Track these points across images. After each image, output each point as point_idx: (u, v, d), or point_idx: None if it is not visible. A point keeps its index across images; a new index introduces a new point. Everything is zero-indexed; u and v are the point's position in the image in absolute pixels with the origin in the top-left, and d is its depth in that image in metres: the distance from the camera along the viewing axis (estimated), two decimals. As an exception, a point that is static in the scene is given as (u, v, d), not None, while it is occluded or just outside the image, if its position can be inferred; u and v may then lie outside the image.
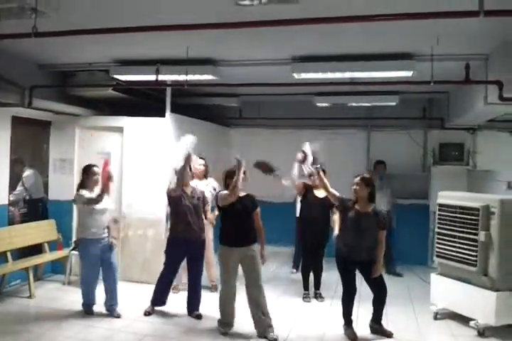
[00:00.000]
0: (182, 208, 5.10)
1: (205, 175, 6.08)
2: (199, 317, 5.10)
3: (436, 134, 8.18)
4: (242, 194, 4.71)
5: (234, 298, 4.71)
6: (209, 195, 5.71)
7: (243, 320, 4.75)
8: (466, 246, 4.93)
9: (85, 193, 4.98)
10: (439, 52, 4.69)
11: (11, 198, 6.35)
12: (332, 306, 5.61)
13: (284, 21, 3.36)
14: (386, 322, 4.79)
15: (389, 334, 4.65)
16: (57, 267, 6.56)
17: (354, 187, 4.59)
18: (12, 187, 6.20)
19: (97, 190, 5.04)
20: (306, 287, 5.95)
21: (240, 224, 4.66)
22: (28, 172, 6.64)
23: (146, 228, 6.42)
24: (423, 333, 4.80)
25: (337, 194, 4.77)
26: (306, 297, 5.87)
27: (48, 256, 6.24)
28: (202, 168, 6.04)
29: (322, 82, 5.68)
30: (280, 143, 8.60)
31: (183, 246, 5.13)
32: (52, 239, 6.41)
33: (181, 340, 4.55)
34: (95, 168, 5.11)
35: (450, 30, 4.08)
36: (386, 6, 3.30)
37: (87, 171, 5.11)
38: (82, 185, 5.09)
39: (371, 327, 4.76)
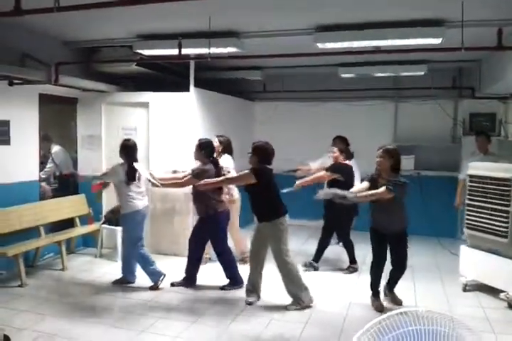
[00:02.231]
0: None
1: (219, 153, 5.97)
2: (222, 288, 5.22)
3: (467, 104, 7.93)
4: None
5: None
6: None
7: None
8: (496, 218, 4.84)
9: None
10: (469, 17, 4.50)
11: (43, 175, 6.51)
12: (360, 278, 5.64)
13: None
14: (414, 294, 4.79)
15: (399, 302, 4.71)
16: (88, 240, 6.75)
17: (377, 159, 4.51)
18: (41, 163, 6.33)
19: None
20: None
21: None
22: (56, 149, 6.79)
23: (173, 202, 6.50)
24: (452, 305, 4.78)
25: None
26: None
27: (80, 230, 6.40)
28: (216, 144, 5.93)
29: (347, 51, 5.53)
30: (304, 116, 8.53)
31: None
32: (83, 213, 6.56)
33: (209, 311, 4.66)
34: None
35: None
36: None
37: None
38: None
39: (384, 292, 4.83)
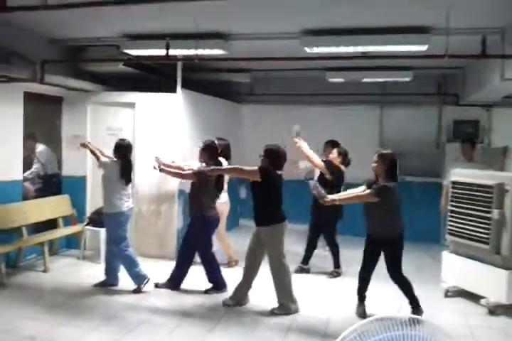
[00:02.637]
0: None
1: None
2: (206, 292, 5.20)
3: (451, 111, 8.05)
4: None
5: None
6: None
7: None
8: (479, 224, 4.90)
9: None
10: (454, 25, 4.56)
11: (29, 175, 6.43)
12: (344, 283, 5.66)
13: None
14: (397, 299, 4.82)
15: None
16: (71, 242, 6.66)
17: (372, 164, 4.46)
18: (25, 162, 6.25)
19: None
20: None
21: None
22: (40, 148, 6.69)
23: (158, 203, 6.47)
24: (433, 310, 4.78)
25: None
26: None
27: (63, 231, 6.33)
28: None
29: (334, 56, 5.57)
30: (291, 120, 8.52)
31: None
32: (66, 214, 6.49)
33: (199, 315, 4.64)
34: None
35: (465, 1, 3.95)
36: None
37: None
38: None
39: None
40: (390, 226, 4.44)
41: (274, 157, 4.68)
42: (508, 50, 4.81)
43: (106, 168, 5.17)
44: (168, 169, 5.36)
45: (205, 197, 5.13)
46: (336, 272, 5.96)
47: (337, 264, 6.01)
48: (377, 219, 4.46)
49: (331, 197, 4.47)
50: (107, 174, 5.14)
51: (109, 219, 5.18)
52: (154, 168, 5.33)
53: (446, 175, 6.54)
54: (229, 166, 4.93)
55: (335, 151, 5.95)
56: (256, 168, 4.63)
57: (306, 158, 5.83)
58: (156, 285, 5.26)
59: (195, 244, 5.22)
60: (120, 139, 5.36)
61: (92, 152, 5.35)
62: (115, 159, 5.17)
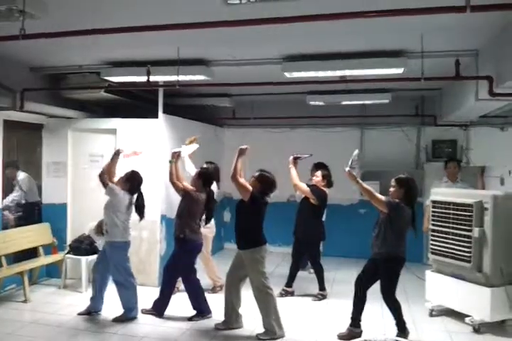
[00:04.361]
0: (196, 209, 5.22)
1: None
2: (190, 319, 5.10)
3: (429, 131, 8.22)
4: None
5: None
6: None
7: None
8: (460, 243, 4.95)
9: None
10: (429, 48, 4.70)
11: (10, 203, 6.34)
12: (328, 305, 5.62)
13: (272, 19, 3.36)
14: (382, 319, 4.79)
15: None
16: (52, 271, 6.53)
17: (390, 189, 4.48)
18: (5, 191, 6.17)
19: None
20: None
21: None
22: (22, 176, 6.62)
23: (141, 230, 6.40)
24: (419, 330, 4.80)
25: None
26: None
27: (43, 260, 6.21)
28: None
29: (314, 80, 5.67)
30: (274, 143, 8.60)
31: None
32: (46, 242, 6.37)
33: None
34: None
35: (438, 26, 4.08)
36: (373, 3, 3.30)
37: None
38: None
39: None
40: (386, 246, 4.39)
41: (268, 185, 4.69)
42: (481, 72, 4.95)
43: (119, 194, 5.05)
44: (174, 171, 5.32)
45: (189, 220, 5.09)
46: (321, 295, 5.92)
47: (322, 286, 5.98)
48: (378, 236, 4.44)
49: (359, 180, 4.44)
50: (120, 201, 5.05)
51: (117, 248, 5.11)
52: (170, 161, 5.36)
53: (427, 195, 6.62)
54: (234, 171, 4.72)
55: (319, 174, 6.00)
56: (251, 188, 4.64)
57: (293, 186, 5.89)
58: (142, 311, 5.18)
59: (178, 269, 5.16)
60: (133, 171, 5.24)
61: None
62: (125, 190, 5.09)
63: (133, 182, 5.13)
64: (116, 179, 5.17)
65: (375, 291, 4.54)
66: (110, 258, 5.08)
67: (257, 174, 4.75)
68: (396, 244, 4.40)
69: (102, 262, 5.14)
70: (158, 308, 5.18)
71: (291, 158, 5.92)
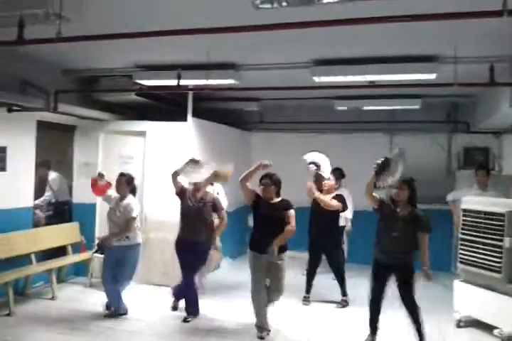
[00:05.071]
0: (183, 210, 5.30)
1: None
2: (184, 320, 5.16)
3: (461, 138, 8.04)
4: (276, 200, 4.81)
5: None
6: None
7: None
8: (490, 253, 4.83)
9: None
10: (462, 54, 4.62)
11: (42, 202, 6.51)
12: (352, 312, 5.55)
13: (303, 23, 3.34)
14: (408, 329, 4.70)
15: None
16: (79, 269, 6.65)
17: (396, 190, 4.53)
18: (37, 190, 6.31)
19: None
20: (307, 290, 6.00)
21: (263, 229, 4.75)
22: (53, 176, 6.79)
23: (166, 231, 6.46)
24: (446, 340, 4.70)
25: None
26: (305, 300, 5.93)
27: (71, 258, 6.33)
28: None
29: (343, 85, 5.64)
30: (301, 148, 8.55)
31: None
32: (75, 241, 6.50)
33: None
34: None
35: (473, 31, 4.02)
36: (407, 8, 3.25)
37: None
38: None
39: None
40: (408, 253, 4.52)
41: (280, 185, 4.83)
42: (516, 78, 4.84)
43: (133, 201, 5.30)
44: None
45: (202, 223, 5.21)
46: (344, 301, 5.86)
47: (344, 293, 5.91)
48: (401, 247, 4.44)
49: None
50: (135, 206, 5.26)
51: (134, 251, 5.26)
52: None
53: (453, 193, 6.64)
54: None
55: (333, 178, 5.98)
56: (254, 195, 4.79)
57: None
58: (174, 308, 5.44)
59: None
60: (124, 174, 5.37)
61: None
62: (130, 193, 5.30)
63: (131, 183, 5.30)
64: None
65: (399, 299, 4.48)
66: (128, 261, 5.19)
67: (270, 178, 4.78)
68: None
69: (111, 270, 5.20)
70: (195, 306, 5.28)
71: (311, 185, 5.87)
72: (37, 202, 6.42)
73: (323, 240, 5.83)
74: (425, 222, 4.45)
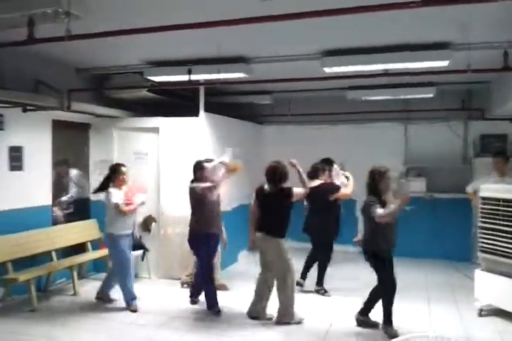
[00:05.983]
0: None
1: None
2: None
3: (477, 125, 7.92)
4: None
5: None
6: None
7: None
8: (511, 240, 4.76)
9: (115, 196, 5.23)
10: (475, 40, 4.54)
11: (69, 199, 6.68)
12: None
13: (312, 13, 3.31)
14: (429, 318, 4.68)
15: (375, 324, 4.61)
16: (99, 265, 6.72)
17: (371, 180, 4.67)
18: (56, 188, 6.40)
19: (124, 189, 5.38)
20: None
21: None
22: (75, 172, 6.88)
23: (183, 226, 6.48)
24: (467, 330, 4.66)
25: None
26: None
27: (91, 255, 6.40)
28: None
29: (356, 74, 5.58)
30: (314, 139, 8.53)
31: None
32: (94, 238, 6.58)
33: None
34: (123, 168, 5.36)
35: (485, 16, 3.94)
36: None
37: (116, 170, 5.34)
38: (108, 183, 5.32)
39: (357, 319, 4.71)
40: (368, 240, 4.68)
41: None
42: (531, 63, 4.74)
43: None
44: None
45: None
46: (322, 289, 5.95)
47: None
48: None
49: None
50: None
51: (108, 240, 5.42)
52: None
53: (472, 183, 6.55)
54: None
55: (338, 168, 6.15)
56: None
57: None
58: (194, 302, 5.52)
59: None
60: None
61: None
62: None
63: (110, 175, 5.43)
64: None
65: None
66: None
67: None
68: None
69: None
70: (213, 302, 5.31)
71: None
72: (63, 198, 6.57)
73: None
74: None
